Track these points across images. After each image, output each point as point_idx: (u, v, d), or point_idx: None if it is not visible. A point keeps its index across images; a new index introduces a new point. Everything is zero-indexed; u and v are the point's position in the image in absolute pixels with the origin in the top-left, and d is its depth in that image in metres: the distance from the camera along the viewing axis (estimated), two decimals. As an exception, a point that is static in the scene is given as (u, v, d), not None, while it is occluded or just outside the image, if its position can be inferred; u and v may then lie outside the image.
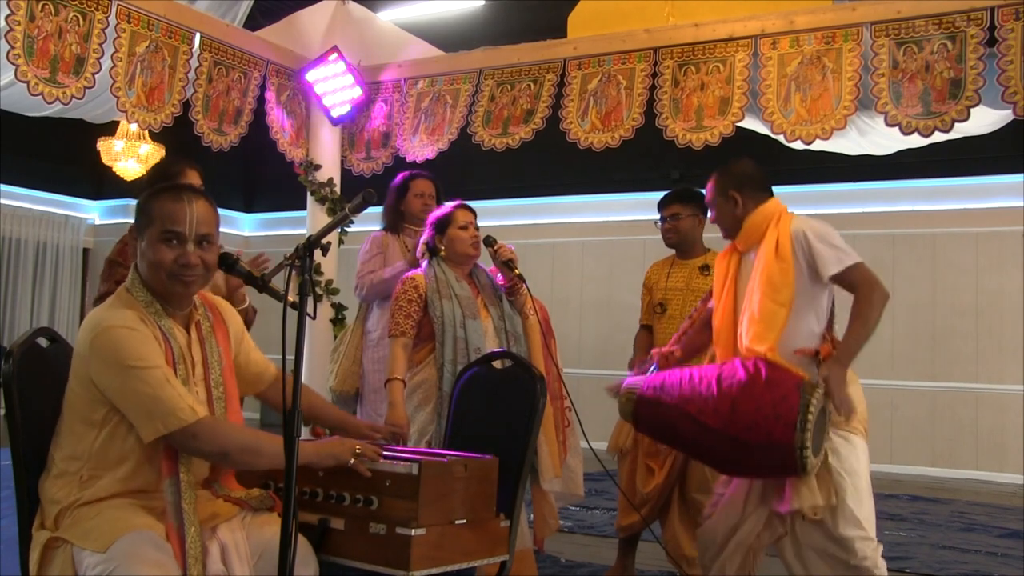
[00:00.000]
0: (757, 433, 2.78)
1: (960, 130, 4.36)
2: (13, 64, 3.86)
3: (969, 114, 4.00)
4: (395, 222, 4.37)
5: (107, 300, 2.25)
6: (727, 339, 3.14)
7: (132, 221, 2.30)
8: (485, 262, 3.74)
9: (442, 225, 3.62)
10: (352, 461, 2.27)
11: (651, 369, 3.25)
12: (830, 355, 2.95)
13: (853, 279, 2.96)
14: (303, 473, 2.28)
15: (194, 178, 3.35)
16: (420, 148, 5.14)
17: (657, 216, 4.18)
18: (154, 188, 2.28)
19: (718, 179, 3.20)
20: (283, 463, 2.02)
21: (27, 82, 3.91)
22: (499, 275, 3.69)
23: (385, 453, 2.36)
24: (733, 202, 3.13)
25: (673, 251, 4.19)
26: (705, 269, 4.02)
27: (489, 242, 3.63)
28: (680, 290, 4.06)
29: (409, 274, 3.62)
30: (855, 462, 2.95)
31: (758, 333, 2.95)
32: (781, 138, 4.47)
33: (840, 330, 3.05)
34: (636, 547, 4.11)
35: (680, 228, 4.08)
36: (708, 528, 3.18)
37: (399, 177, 4.43)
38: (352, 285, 4.36)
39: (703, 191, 3.36)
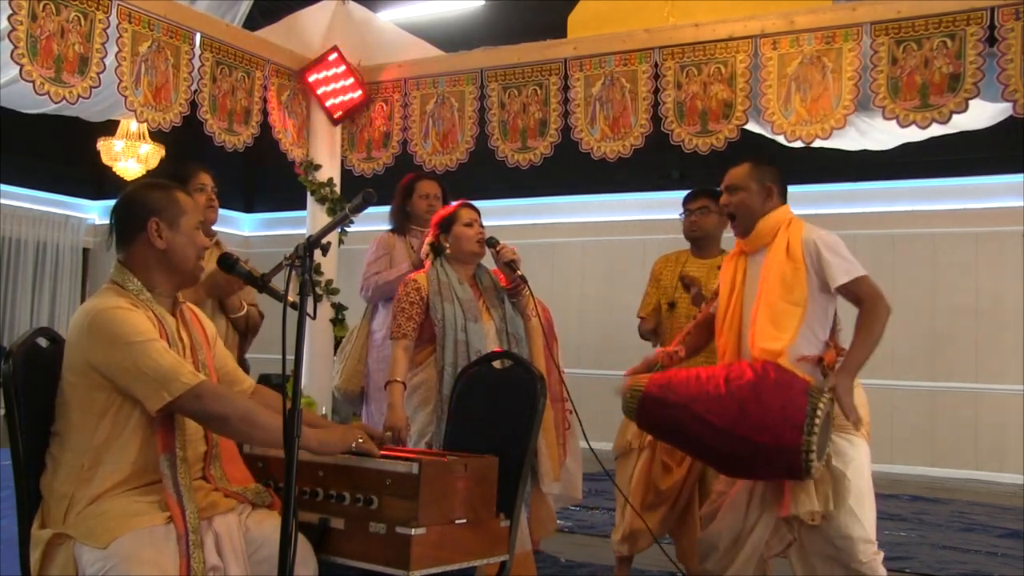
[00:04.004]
0: (764, 434, 2.78)
1: (958, 124, 4.37)
2: (18, 63, 3.85)
3: (967, 106, 4.00)
4: (401, 223, 4.41)
5: (96, 293, 2.29)
6: (731, 343, 3.13)
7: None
8: (488, 263, 3.73)
9: (447, 224, 3.61)
10: (353, 446, 2.31)
11: (656, 368, 3.24)
12: (834, 362, 2.95)
13: (859, 291, 2.98)
14: (303, 472, 2.29)
15: (206, 180, 3.48)
16: (435, 156, 5.14)
17: (680, 211, 4.13)
18: (162, 181, 2.45)
19: (756, 166, 3.18)
20: (278, 442, 2.07)
21: (32, 81, 3.91)
22: (501, 276, 3.69)
23: (385, 453, 2.36)
24: (766, 193, 3.15)
25: (689, 245, 4.14)
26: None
27: (492, 243, 3.61)
28: None
29: (411, 276, 3.61)
30: (858, 464, 2.96)
31: (771, 334, 2.95)
32: (781, 138, 4.47)
33: (844, 339, 3.05)
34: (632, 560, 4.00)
35: (705, 224, 4.05)
36: (711, 533, 3.16)
37: (405, 179, 4.46)
38: (352, 285, 4.38)
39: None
